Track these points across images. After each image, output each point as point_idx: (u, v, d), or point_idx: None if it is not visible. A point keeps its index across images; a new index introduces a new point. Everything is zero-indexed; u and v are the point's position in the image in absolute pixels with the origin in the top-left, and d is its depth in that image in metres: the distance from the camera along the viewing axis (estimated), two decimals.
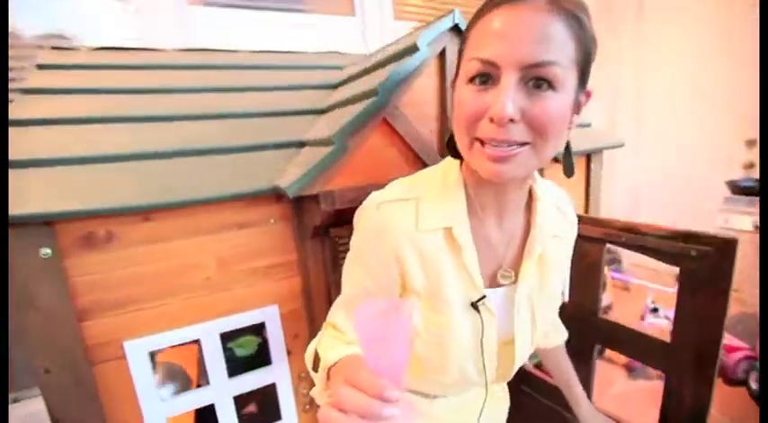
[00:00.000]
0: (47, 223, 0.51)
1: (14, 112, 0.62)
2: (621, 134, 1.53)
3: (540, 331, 0.54)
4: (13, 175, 0.54)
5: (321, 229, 0.63)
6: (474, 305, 0.47)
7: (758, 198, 1.79)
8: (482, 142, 0.39)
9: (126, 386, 0.60)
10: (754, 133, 2.33)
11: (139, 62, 0.84)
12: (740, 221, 1.75)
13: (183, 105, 0.74)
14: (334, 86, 0.91)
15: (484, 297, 0.47)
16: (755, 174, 2.21)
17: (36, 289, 0.52)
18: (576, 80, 0.39)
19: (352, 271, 0.50)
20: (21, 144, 0.58)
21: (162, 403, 0.64)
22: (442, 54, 0.60)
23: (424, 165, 0.65)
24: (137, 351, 0.60)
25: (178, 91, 0.78)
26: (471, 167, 0.43)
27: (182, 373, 0.95)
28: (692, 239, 0.57)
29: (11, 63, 1.09)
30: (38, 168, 0.56)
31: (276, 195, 0.62)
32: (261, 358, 0.74)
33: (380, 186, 0.50)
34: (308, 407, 0.77)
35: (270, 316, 0.69)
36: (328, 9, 1.87)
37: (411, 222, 0.45)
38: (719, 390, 1.65)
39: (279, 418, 0.75)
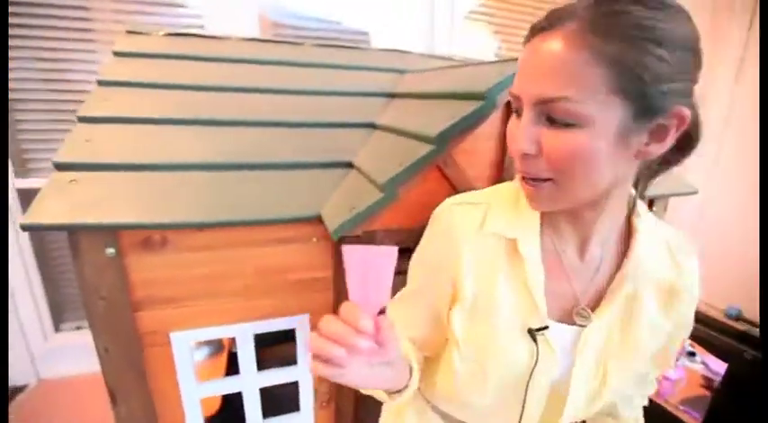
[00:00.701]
0: (111, 228, 0.56)
1: (89, 107, 0.67)
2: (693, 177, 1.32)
3: (610, 390, 0.48)
4: (84, 175, 0.59)
5: None
6: (531, 333, 0.44)
7: None
8: None
9: (168, 369, 0.68)
10: None
11: (206, 53, 0.86)
12: None
13: (244, 107, 0.75)
14: (392, 95, 0.89)
15: (546, 328, 0.44)
16: None
17: (101, 281, 0.58)
18: (624, 110, 0.35)
19: (413, 270, 0.52)
20: (94, 144, 0.62)
21: (198, 386, 0.71)
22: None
23: None
24: (180, 341, 0.67)
25: (241, 90, 0.79)
26: None
27: (217, 339, 1.06)
28: (747, 341, 0.53)
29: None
30: (106, 172, 0.60)
31: (316, 218, 0.64)
32: None
33: (423, 228, 0.51)
34: (324, 404, 0.83)
35: (301, 324, 0.74)
36: None
37: (476, 223, 0.46)
38: None
39: (297, 410, 0.82)
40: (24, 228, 0.49)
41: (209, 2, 1.47)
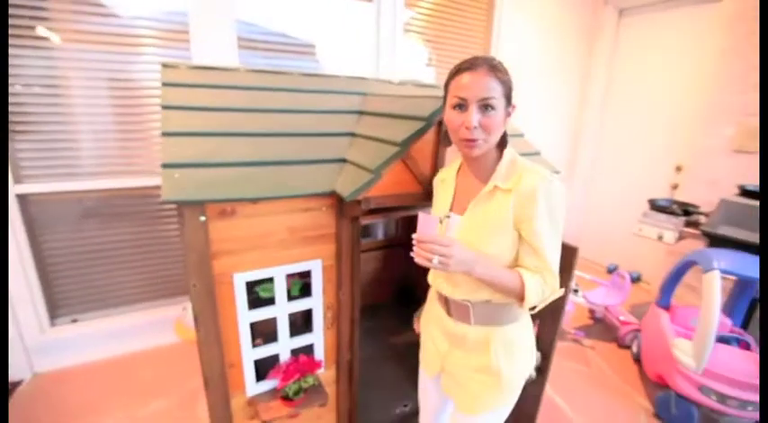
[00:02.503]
0: (202, 203, 0.89)
1: (166, 125, 0.98)
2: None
3: (474, 244, 0.82)
4: (176, 172, 0.91)
5: (355, 217, 1.04)
6: (440, 219, 0.81)
7: (670, 215, 2.31)
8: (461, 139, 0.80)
9: (230, 299, 1.01)
10: (681, 160, 2.84)
11: (227, 83, 1.19)
12: (649, 231, 2.27)
13: (265, 123, 1.11)
14: (361, 112, 1.29)
15: (448, 216, 0.79)
16: (677, 195, 2.74)
17: (194, 240, 0.91)
18: (504, 104, 0.78)
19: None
20: (178, 149, 0.94)
21: (248, 312, 1.05)
22: (440, 122, 1.00)
23: (421, 185, 1.06)
24: (239, 279, 1.01)
25: (260, 111, 1.14)
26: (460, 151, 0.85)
27: None
28: None
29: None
30: (190, 169, 0.93)
31: (330, 193, 1.02)
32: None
33: (396, 196, 0.92)
34: (330, 325, 1.20)
35: (315, 266, 1.11)
36: None
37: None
38: (615, 352, 2.25)
39: (311, 331, 1.19)
40: (166, 201, 0.81)
41: (199, 22, 1.77)
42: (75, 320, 1.90)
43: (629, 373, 2.09)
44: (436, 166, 1.07)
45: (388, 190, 1.00)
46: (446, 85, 0.82)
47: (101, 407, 1.68)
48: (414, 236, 0.77)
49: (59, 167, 1.74)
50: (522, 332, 0.94)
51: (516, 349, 0.92)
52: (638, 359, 2.12)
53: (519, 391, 0.96)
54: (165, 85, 1.09)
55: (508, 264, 0.85)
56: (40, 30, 1.57)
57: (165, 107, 1.03)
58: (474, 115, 0.76)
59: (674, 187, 2.84)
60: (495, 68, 0.77)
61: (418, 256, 0.76)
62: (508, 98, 0.79)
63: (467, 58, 0.79)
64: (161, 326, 2.05)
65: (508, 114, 0.81)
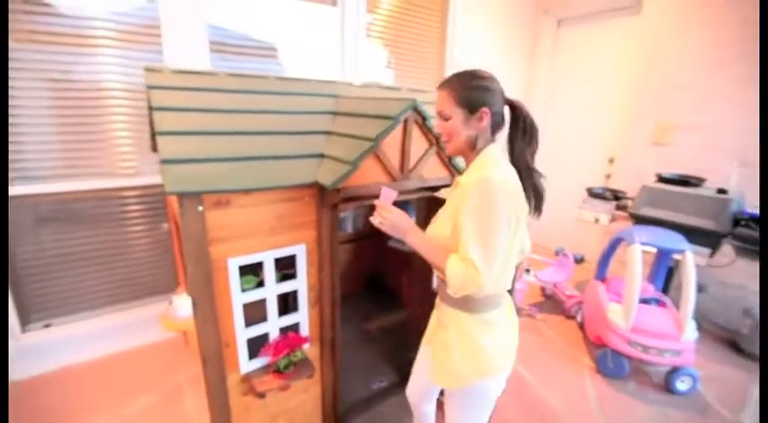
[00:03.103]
0: (200, 194, 1.00)
1: (159, 125, 1.07)
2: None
3: (434, 227, 0.97)
4: (177, 167, 1.00)
5: (334, 205, 1.19)
6: None
7: (604, 201, 2.64)
8: None
9: (225, 283, 1.12)
10: (612, 153, 3.22)
11: (210, 86, 1.28)
12: (588, 215, 2.61)
13: (250, 122, 1.22)
14: (335, 113, 1.43)
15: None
16: (610, 183, 3.11)
17: (193, 228, 1.01)
18: (465, 111, 0.91)
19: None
20: (174, 147, 1.04)
21: (241, 294, 1.16)
22: (406, 120, 1.17)
23: (392, 177, 1.22)
24: (233, 264, 1.11)
25: (244, 112, 1.25)
26: None
27: None
28: None
29: None
30: (187, 164, 1.03)
31: (311, 184, 1.15)
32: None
33: (369, 185, 1.08)
34: (313, 303, 1.33)
35: (299, 250, 1.24)
36: None
37: None
38: (563, 322, 2.55)
39: (296, 310, 1.31)
40: (170, 193, 0.91)
41: (171, 27, 1.82)
42: (47, 325, 1.87)
43: (575, 339, 2.39)
44: (404, 159, 1.24)
45: (362, 180, 1.15)
46: None
47: (85, 409, 1.69)
48: (375, 202, 0.97)
49: (15, 171, 1.72)
50: (483, 329, 0.95)
51: (469, 341, 0.95)
52: (581, 327, 2.43)
53: (475, 387, 0.97)
54: (150, 87, 1.17)
55: (453, 249, 0.89)
56: None
57: (155, 109, 1.11)
58: (437, 125, 0.98)
59: (608, 176, 3.22)
60: (448, 83, 0.93)
61: (372, 217, 0.96)
62: (467, 106, 0.91)
63: None
64: (137, 326, 2.07)
65: (479, 119, 0.91)
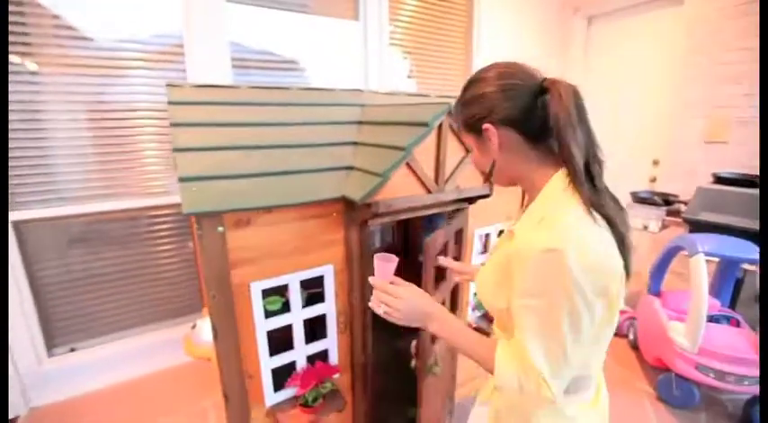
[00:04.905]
0: (219, 213, 0.92)
1: (177, 142, 1.01)
2: None
3: (482, 287, 0.72)
4: (195, 185, 0.93)
5: (364, 221, 1.08)
6: None
7: (652, 206, 2.42)
8: None
9: (248, 308, 1.02)
10: (657, 154, 2.99)
11: (231, 99, 1.22)
12: (634, 222, 2.38)
13: (274, 136, 1.14)
14: (360, 122, 1.34)
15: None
16: (656, 187, 2.88)
17: (213, 250, 0.93)
18: (473, 137, 0.68)
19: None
20: (192, 163, 0.97)
21: (265, 321, 1.06)
22: (440, 125, 1.06)
23: (426, 189, 1.11)
24: (256, 288, 1.02)
25: (267, 124, 1.18)
26: None
27: None
28: None
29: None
30: (206, 181, 0.95)
31: (338, 199, 1.06)
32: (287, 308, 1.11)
33: (402, 198, 0.96)
34: (343, 328, 1.22)
35: (327, 271, 1.14)
36: (338, 13, 2.31)
37: None
38: (613, 340, 2.32)
39: (325, 336, 1.20)
40: (187, 213, 0.83)
41: (194, 46, 1.81)
42: (73, 349, 1.85)
43: (628, 360, 2.16)
44: (438, 168, 1.13)
45: (394, 193, 1.04)
46: None
47: None
48: (370, 279, 0.74)
49: (48, 193, 1.73)
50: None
51: None
52: (635, 346, 2.19)
53: None
54: (170, 103, 1.12)
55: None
56: (14, 58, 1.57)
57: (174, 124, 1.05)
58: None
59: (653, 180, 2.98)
60: (455, 109, 0.72)
61: (371, 301, 0.72)
62: (471, 129, 0.68)
63: None
64: (163, 348, 2.02)
65: (488, 140, 0.65)
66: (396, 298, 0.70)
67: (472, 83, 0.68)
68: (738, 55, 2.32)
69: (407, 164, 1.05)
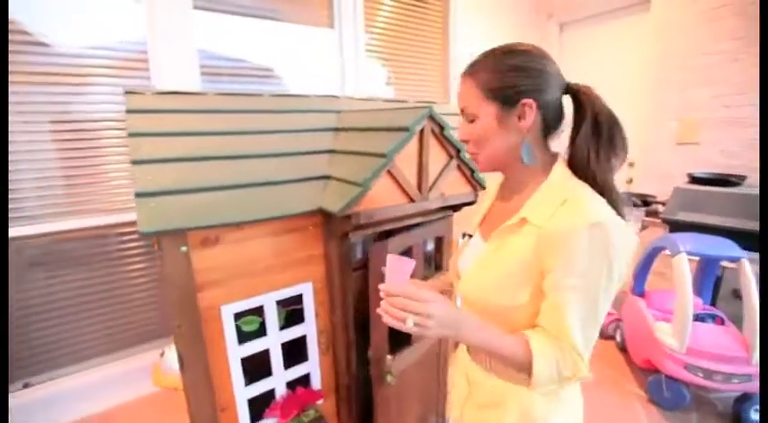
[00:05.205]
0: (182, 231, 0.83)
1: (135, 153, 0.92)
2: None
3: (485, 287, 0.67)
4: (151, 201, 0.84)
5: (345, 234, 1.01)
6: (463, 235, 0.80)
7: (631, 207, 2.44)
8: None
9: (219, 334, 0.93)
10: (632, 157, 3.04)
11: (197, 107, 1.13)
12: None
13: (242, 145, 1.06)
14: (337, 129, 1.28)
15: (470, 236, 0.76)
16: (632, 188, 2.92)
17: (176, 273, 0.84)
18: (498, 106, 0.62)
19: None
20: (151, 177, 0.88)
21: (238, 347, 0.97)
22: (422, 130, 1.00)
23: (409, 197, 1.05)
24: (227, 312, 0.93)
25: (235, 133, 1.10)
26: None
27: None
28: None
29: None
30: (167, 196, 0.86)
31: (315, 211, 0.98)
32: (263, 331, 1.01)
33: (385, 208, 0.89)
34: (325, 349, 1.14)
35: (306, 289, 1.05)
36: (312, 21, 2.25)
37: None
38: (600, 343, 2.31)
39: (306, 359, 1.11)
40: (144, 233, 0.74)
41: (159, 53, 1.70)
42: (26, 385, 1.68)
43: (616, 362, 2.14)
44: (422, 175, 1.07)
45: (376, 203, 0.98)
46: None
47: None
48: (381, 287, 0.60)
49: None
50: (554, 409, 0.70)
51: None
52: (622, 348, 2.18)
53: None
54: (129, 111, 1.03)
55: (524, 323, 0.65)
56: None
57: (132, 135, 0.96)
58: (460, 128, 0.69)
59: (629, 181, 3.03)
60: (472, 68, 0.65)
61: (387, 313, 0.58)
62: (500, 98, 0.63)
63: None
64: (132, 376, 1.86)
65: (520, 116, 0.63)
66: (425, 304, 0.56)
67: (526, 53, 0.64)
68: (706, 59, 2.39)
69: (389, 171, 0.99)
